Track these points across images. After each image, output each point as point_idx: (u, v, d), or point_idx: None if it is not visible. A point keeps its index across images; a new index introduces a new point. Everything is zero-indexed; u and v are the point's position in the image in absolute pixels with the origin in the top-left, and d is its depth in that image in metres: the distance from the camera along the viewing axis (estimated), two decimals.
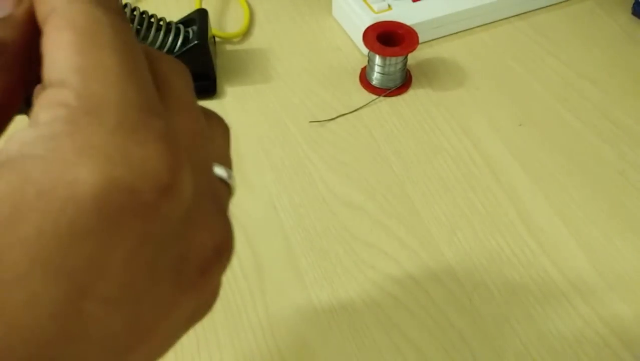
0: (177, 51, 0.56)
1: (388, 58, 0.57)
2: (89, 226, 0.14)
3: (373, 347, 0.42)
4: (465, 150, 0.54)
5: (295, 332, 0.43)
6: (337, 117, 0.57)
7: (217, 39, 0.64)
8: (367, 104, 0.58)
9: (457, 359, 0.41)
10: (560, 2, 0.69)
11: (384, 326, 0.43)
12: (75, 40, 0.16)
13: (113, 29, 0.17)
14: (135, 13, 0.55)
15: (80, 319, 0.15)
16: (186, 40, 0.56)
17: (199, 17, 0.58)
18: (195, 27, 0.57)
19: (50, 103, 0.16)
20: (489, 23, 0.67)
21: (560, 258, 0.47)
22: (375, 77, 0.59)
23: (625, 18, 0.67)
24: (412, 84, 0.60)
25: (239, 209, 0.49)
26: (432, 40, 0.65)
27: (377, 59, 0.58)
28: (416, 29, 0.59)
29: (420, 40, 0.59)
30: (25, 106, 0.18)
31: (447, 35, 0.65)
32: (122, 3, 0.56)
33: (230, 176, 0.20)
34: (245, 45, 0.64)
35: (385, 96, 0.59)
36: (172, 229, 0.16)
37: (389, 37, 0.59)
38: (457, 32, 0.66)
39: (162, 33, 0.56)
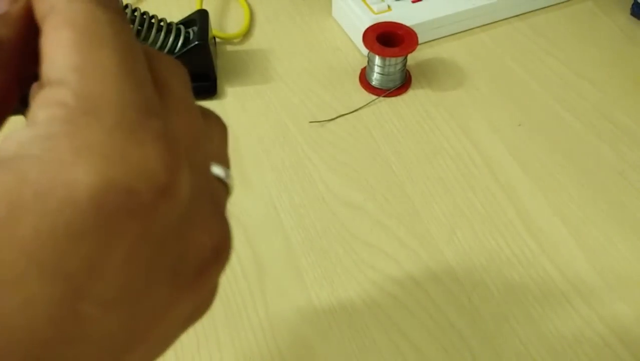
0: (177, 52, 0.56)
1: (388, 59, 0.57)
2: (86, 227, 0.14)
3: (373, 347, 0.42)
4: (464, 150, 0.54)
5: (295, 332, 0.43)
6: (337, 117, 0.57)
7: (217, 40, 0.64)
8: (367, 104, 0.58)
9: (457, 359, 0.41)
10: (559, 3, 0.69)
11: (384, 326, 0.43)
12: (74, 39, 0.16)
13: (113, 29, 0.17)
14: (135, 14, 0.55)
15: (76, 320, 0.15)
16: (187, 40, 0.57)
17: (200, 18, 0.58)
18: (195, 28, 0.57)
19: (48, 102, 0.15)
20: (489, 24, 0.67)
21: (560, 258, 0.47)
22: (375, 78, 0.59)
23: (624, 18, 0.67)
24: (412, 84, 0.60)
25: (239, 209, 0.49)
26: (432, 40, 0.65)
27: (377, 60, 0.58)
28: (416, 29, 0.59)
29: (420, 40, 0.59)
30: (21, 105, 0.18)
31: (446, 36, 0.65)
32: (122, 3, 0.56)
33: (228, 175, 0.20)
34: (245, 46, 0.64)
35: (385, 96, 0.59)
36: (170, 229, 0.16)
37: (388, 38, 0.59)
38: (456, 33, 0.66)
39: (162, 34, 0.56)
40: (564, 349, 0.42)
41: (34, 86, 0.18)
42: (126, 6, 0.55)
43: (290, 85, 0.60)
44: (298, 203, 0.50)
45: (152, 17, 0.56)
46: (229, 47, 0.64)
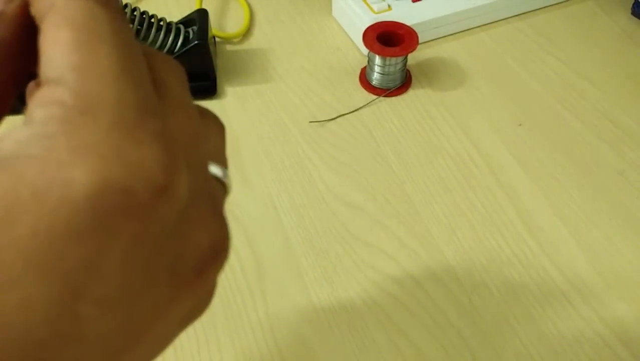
0: (177, 51, 0.56)
1: (388, 58, 0.57)
2: (84, 226, 0.14)
3: (373, 347, 0.42)
4: (465, 150, 0.54)
5: (295, 332, 0.43)
6: (337, 117, 0.57)
7: (217, 39, 0.64)
8: (367, 104, 0.58)
9: (457, 359, 0.41)
10: (560, 3, 0.69)
11: (384, 326, 0.43)
12: (73, 37, 0.16)
13: (112, 28, 0.17)
14: (135, 13, 0.55)
15: (74, 320, 0.14)
16: (186, 40, 0.56)
17: (199, 18, 0.58)
18: (195, 28, 0.57)
19: (46, 101, 0.15)
20: (489, 23, 0.67)
21: (560, 258, 0.47)
22: (375, 78, 0.59)
23: (625, 18, 0.67)
24: (412, 84, 0.60)
25: (239, 209, 0.49)
26: (432, 40, 0.65)
27: (377, 59, 0.58)
28: (416, 29, 0.59)
29: (420, 40, 0.59)
30: (18, 103, 0.18)
31: (447, 36, 0.65)
32: (122, 3, 0.56)
33: (225, 175, 0.20)
34: (245, 46, 0.64)
35: (385, 96, 0.59)
36: (168, 229, 0.16)
37: (388, 38, 0.59)
38: (456, 33, 0.65)
39: (162, 33, 0.56)
40: (564, 349, 0.42)
41: (31, 84, 0.18)
42: (126, 5, 0.55)
43: (290, 85, 0.60)
44: (298, 203, 0.50)
45: (152, 16, 0.56)
46: (229, 47, 0.64)
